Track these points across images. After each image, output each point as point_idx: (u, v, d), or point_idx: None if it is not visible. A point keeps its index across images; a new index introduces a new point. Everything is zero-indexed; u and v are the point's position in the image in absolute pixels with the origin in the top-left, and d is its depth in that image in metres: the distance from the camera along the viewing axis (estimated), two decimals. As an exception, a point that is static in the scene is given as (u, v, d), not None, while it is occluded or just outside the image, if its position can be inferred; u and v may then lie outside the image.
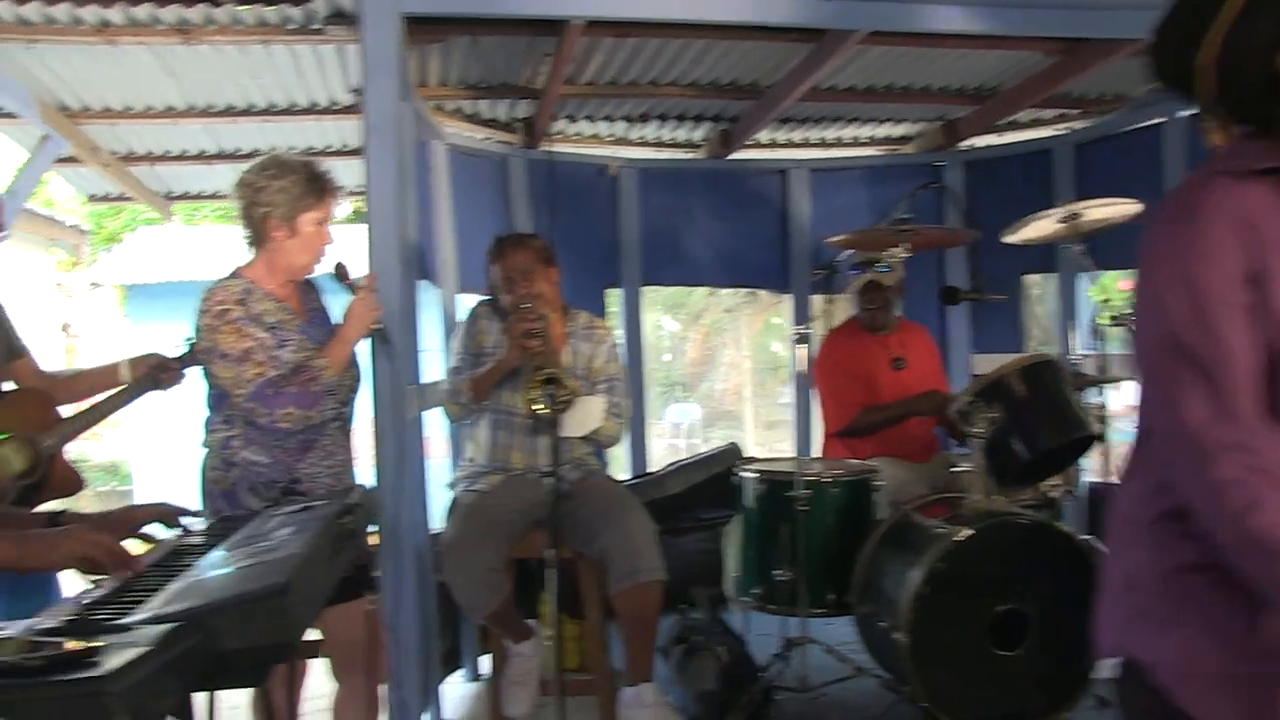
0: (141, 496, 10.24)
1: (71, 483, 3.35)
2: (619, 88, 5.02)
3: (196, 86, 4.84)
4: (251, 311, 2.92)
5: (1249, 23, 1.40)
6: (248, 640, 1.48)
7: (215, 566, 1.79)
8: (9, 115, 4.89)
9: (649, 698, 3.48)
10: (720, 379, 15.11)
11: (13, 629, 1.47)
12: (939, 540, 3.35)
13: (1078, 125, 5.65)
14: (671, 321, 15.91)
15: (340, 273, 3.12)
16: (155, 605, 1.54)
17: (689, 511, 5.28)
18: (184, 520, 2.40)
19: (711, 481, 5.54)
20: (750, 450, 7.44)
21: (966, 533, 3.32)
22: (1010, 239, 4.07)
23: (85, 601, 1.70)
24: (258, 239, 3.01)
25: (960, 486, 3.72)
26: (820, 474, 3.78)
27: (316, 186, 2.99)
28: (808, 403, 5.84)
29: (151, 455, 10.72)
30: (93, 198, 6.80)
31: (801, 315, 5.88)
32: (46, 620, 1.53)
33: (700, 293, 13.91)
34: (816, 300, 5.82)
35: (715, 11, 3.69)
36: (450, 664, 4.52)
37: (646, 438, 5.86)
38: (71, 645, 1.20)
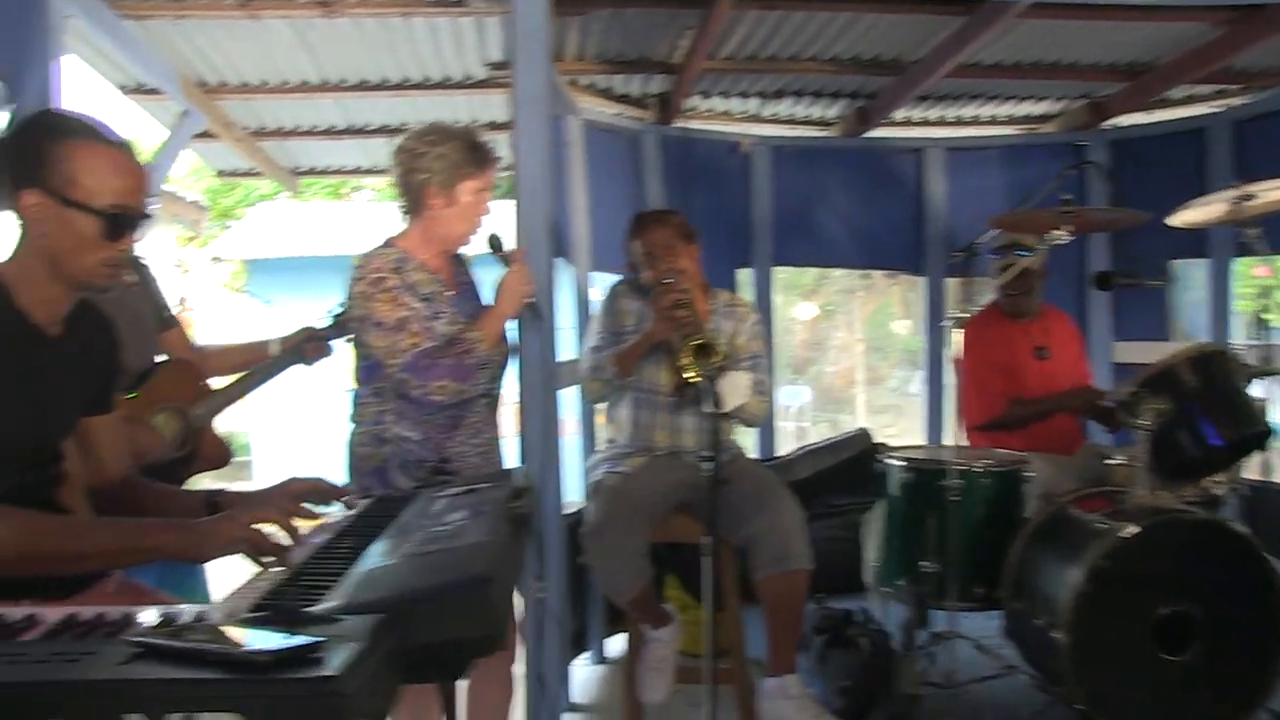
0: (260, 470, 10.42)
1: (220, 455, 3.37)
2: (758, 63, 4.92)
3: (332, 61, 4.85)
4: (407, 281, 2.86)
5: None
6: (450, 633, 1.41)
7: (392, 554, 1.73)
8: (153, 91, 4.95)
9: (793, 689, 3.38)
10: (831, 362, 14.90)
11: (190, 614, 1.43)
12: (1102, 536, 3.19)
13: (1236, 101, 5.37)
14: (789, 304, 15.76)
15: (495, 244, 3.03)
16: (343, 594, 1.48)
17: (818, 497, 5.15)
18: (340, 499, 2.35)
19: (841, 467, 5.42)
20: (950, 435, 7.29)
21: (1133, 529, 3.16)
22: (1171, 221, 3.87)
23: (264, 589, 1.65)
24: (414, 207, 2.94)
25: (1116, 480, 3.55)
26: (970, 464, 3.64)
27: (477, 155, 2.91)
28: (939, 389, 5.71)
29: (269, 429, 10.89)
30: (221, 173, 6.89)
31: (935, 298, 5.73)
32: (233, 606, 1.48)
33: (812, 274, 13.72)
34: (951, 284, 5.68)
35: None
36: (577, 646, 4.48)
37: (775, 420, 5.75)
38: (291, 640, 1.14)
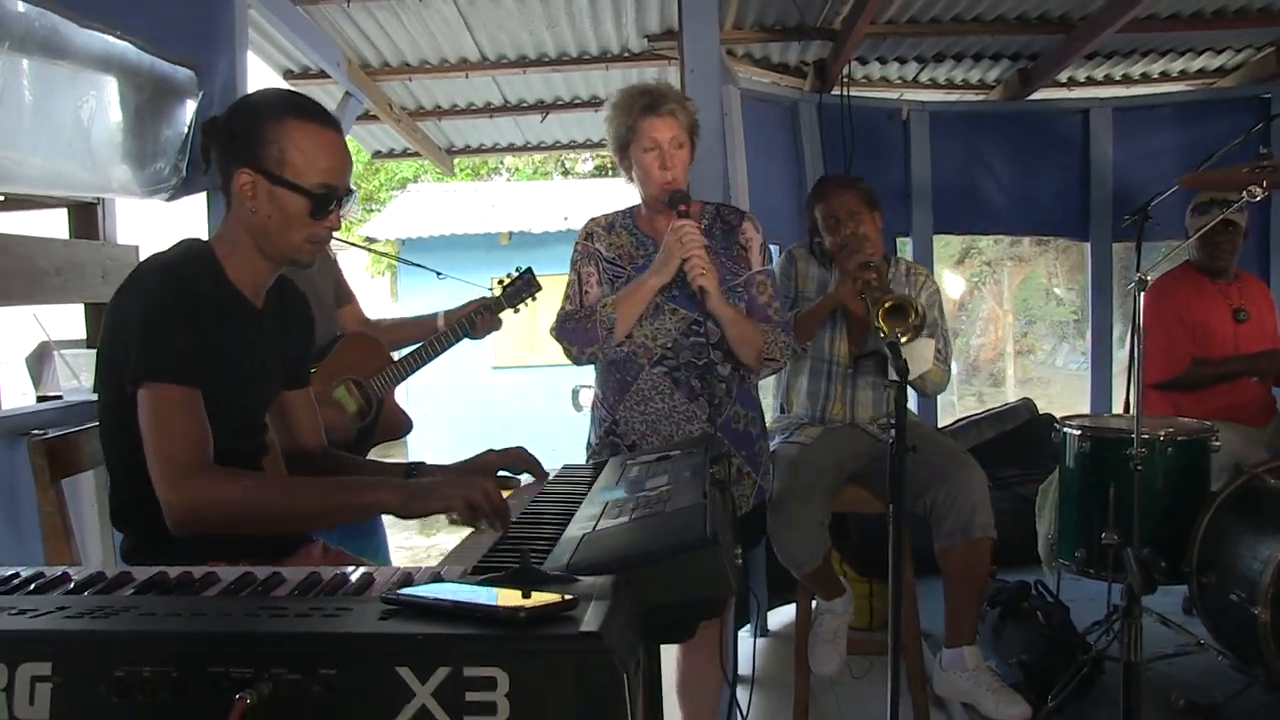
0: (414, 443, 10.65)
1: (400, 424, 3.45)
2: (920, 26, 4.81)
3: (492, 38, 4.90)
4: (591, 246, 2.92)
5: None
6: (679, 594, 1.42)
7: (607, 517, 1.74)
8: (316, 76, 5.08)
9: (970, 662, 3.32)
10: (978, 333, 14.57)
11: (425, 574, 1.45)
12: (1306, 508, 3.05)
13: None
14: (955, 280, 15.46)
15: (674, 201, 2.82)
16: (572, 556, 1.50)
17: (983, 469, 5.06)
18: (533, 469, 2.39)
19: (1004, 438, 5.31)
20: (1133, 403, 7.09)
21: (1340, 501, 3.01)
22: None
23: (484, 550, 1.69)
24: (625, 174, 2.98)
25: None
26: (1153, 432, 3.51)
27: (633, 112, 2.82)
28: (1108, 358, 5.53)
29: (422, 404, 11.15)
30: (377, 154, 7.04)
31: (1102, 265, 5.54)
32: (464, 566, 1.51)
33: (958, 244, 13.42)
34: (1118, 250, 5.50)
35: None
36: (740, 619, 4.48)
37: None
38: (543, 598, 1.15)
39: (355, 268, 18.76)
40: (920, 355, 3.39)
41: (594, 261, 2.90)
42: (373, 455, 3.28)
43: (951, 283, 13.56)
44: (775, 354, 2.95)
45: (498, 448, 2.35)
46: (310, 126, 1.98)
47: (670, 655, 3.02)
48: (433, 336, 3.51)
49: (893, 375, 3.35)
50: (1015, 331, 13.35)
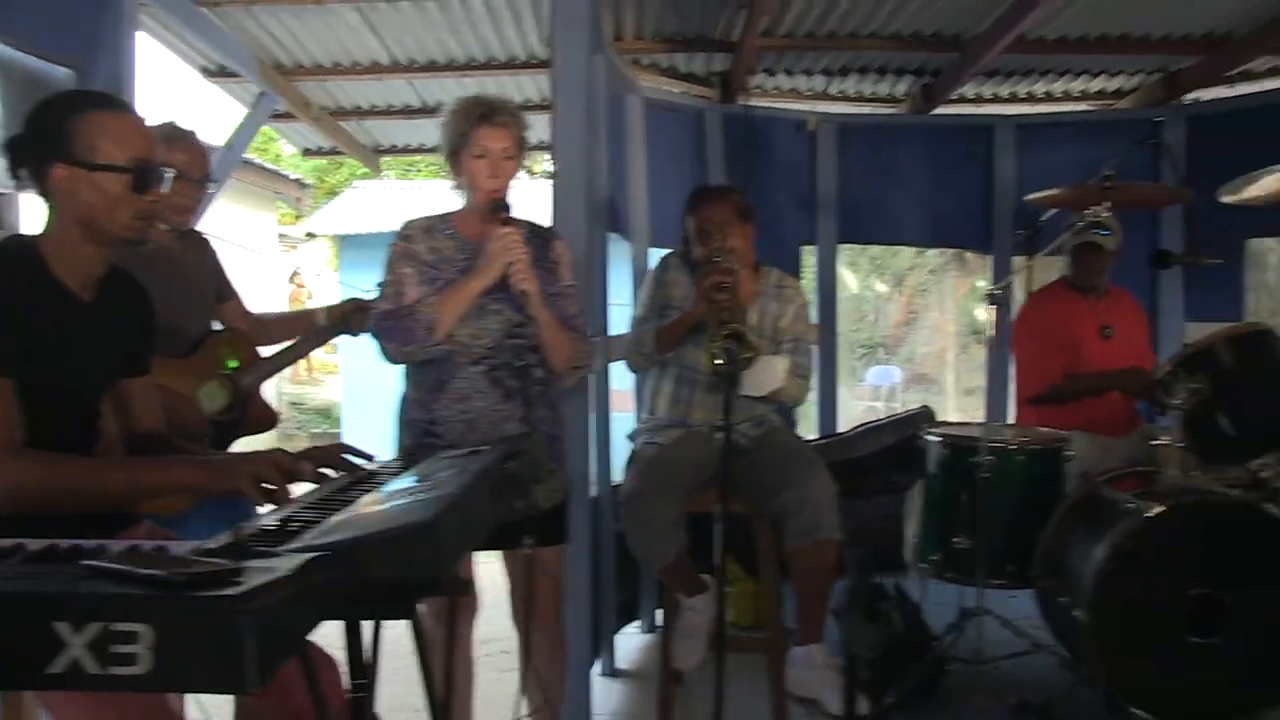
0: (348, 439, 10.75)
1: (266, 420, 3.52)
2: (817, 40, 4.93)
3: (400, 42, 4.99)
4: (410, 247, 2.96)
5: None
6: (393, 573, 1.53)
7: (375, 503, 1.85)
8: (231, 74, 5.16)
9: (817, 659, 3.44)
10: (923, 342, 14.75)
11: (176, 548, 1.55)
12: (1128, 516, 3.18)
13: (1323, 76, 5.21)
14: (880, 284, 15.60)
15: (495, 209, 2.93)
16: (310, 536, 1.61)
17: (877, 474, 5.20)
18: (357, 462, 2.47)
19: (902, 445, 5.43)
20: (949, 415, 7.28)
21: (1158, 509, 3.14)
22: (1231, 199, 3.79)
23: (248, 530, 1.78)
24: (455, 183, 3.04)
25: (1157, 461, 3.52)
26: (1007, 441, 3.64)
27: (470, 119, 2.90)
28: (1003, 367, 5.65)
29: (360, 400, 11.22)
30: (307, 152, 7.12)
31: (1003, 276, 5.67)
32: (209, 543, 1.61)
33: (907, 254, 13.59)
34: (1016, 261, 5.62)
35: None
36: (627, 615, 4.58)
37: (837, 397, 5.77)
38: (222, 566, 1.27)
39: (318, 261, 18.80)
40: (773, 372, 3.51)
41: (412, 263, 2.95)
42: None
43: (891, 306, 13.81)
44: (583, 361, 3.06)
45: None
46: (110, 113, 2.09)
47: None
48: (309, 334, 3.59)
49: (746, 391, 3.51)
50: (959, 341, 13.53)
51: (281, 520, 1.86)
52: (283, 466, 1.98)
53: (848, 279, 15.42)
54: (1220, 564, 3.17)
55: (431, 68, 5.33)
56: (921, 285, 14.75)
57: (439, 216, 3.04)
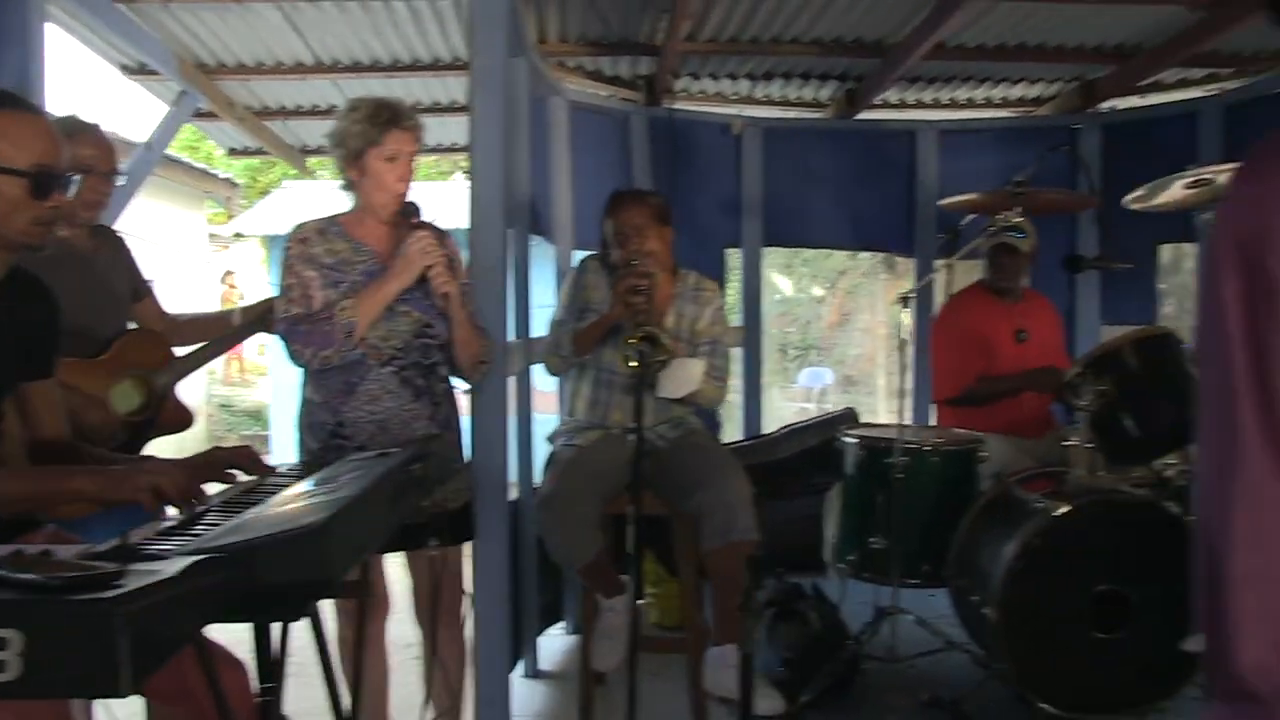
0: (278, 441, 10.64)
1: (182, 420, 3.49)
2: (740, 45, 4.96)
3: (323, 42, 4.95)
4: (309, 250, 2.94)
5: None
6: (285, 575, 1.53)
7: (273, 506, 1.84)
8: (150, 72, 5.09)
9: (733, 659, 3.45)
10: (854, 344, 14.91)
11: (63, 552, 1.54)
12: (1036, 515, 3.25)
13: (1230, 85, 5.34)
14: (816, 287, 15.73)
15: (406, 212, 2.98)
16: (204, 539, 1.60)
17: (801, 476, 5.23)
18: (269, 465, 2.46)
19: (825, 446, 5.48)
20: (880, 416, 7.34)
21: (1064, 508, 3.21)
22: (1138, 206, 3.88)
23: (143, 534, 1.77)
24: (345, 183, 3.02)
25: (1068, 462, 3.60)
26: (921, 442, 3.70)
27: (379, 122, 2.92)
28: (922, 370, 5.73)
29: (290, 401, 11.08)
30: (233, 151, 7.04)
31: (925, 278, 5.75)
32: (99, 547, 1.60)
33: (839, 257, 13.72)
34: (937, 265, 5.70)
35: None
36: (550, 616, 4.59)
37: (762, 399, 5.81)
38: (99, 570, 1.26)
39: (252, 261, 18.55)
40: (689, 375, 3.54)
41: (313, 266, 2.93)
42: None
43: (828, 294, 13.92)
44: (488, 357, 3.09)
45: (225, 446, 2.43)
46: (11, 114, 2.03)
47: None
48: (225, 334, 3.56)
49: (662, 392, 3.54)
50: (888, 344, 13.66)
51: (178, 523, 1.85)
52: (179, 485, 1.96)
53: (783, 282, 15.53)
54: (1124, 561, 3.25)
55: (356, 68, 5.29)
56: (853, 288, 14.91)
57: (328, 219, 3.02)
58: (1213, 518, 1.36)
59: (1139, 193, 3.81)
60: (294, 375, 3.16)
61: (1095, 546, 3.25)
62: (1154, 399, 3.52)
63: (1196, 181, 3.63)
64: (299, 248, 2.95)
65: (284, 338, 2.93)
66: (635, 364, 3.23)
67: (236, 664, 2.31)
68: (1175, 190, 3.74)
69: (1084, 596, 3.25)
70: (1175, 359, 3.56)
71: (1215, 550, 1.33)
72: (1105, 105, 5.64)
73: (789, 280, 15.71)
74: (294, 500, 1.87)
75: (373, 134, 2.90)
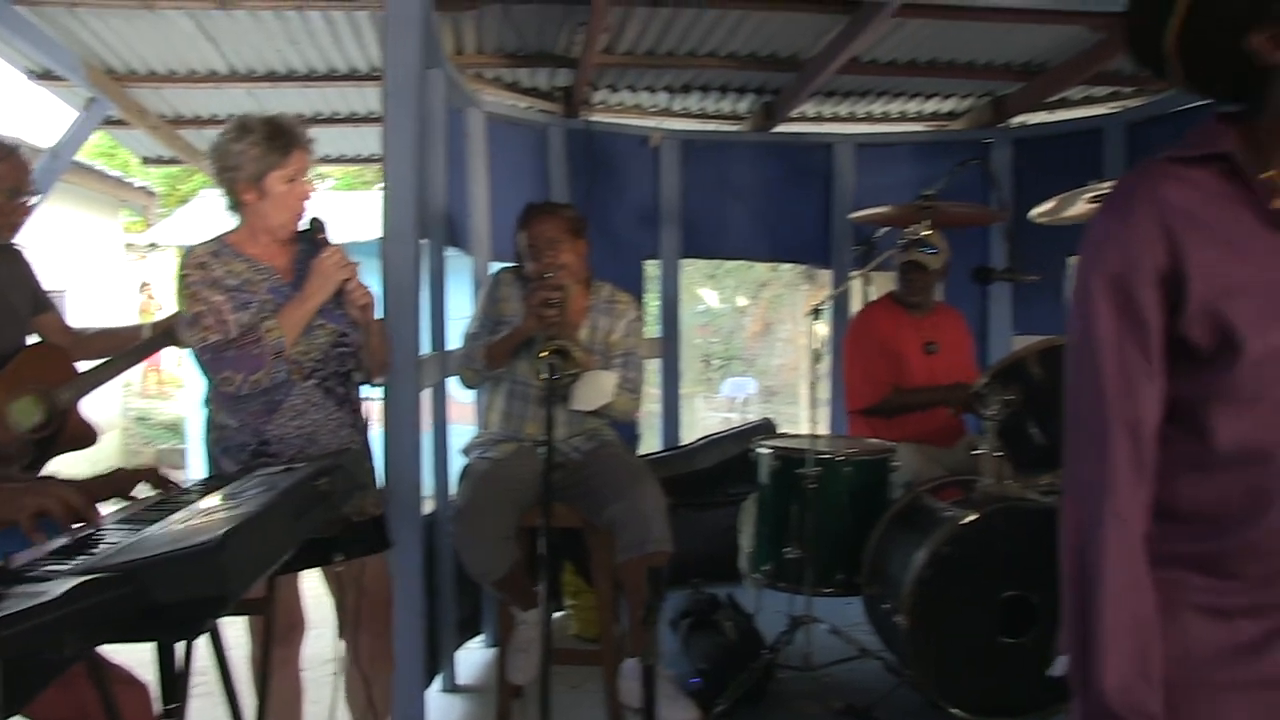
0: (196, 454, 10.46)
1: (85, 436, 3.42)
2: (657, 58, 4.99)
3: (238, 52, 4.89)
4: (211, 274, 2.87)
5: (1210, 5, 1.35)
6: (179, 594, 1.51)
7: (171, 524, 1.82)
8: (57, 78, 5.00)
9: (647, 670, 3.47)
10: (777, 354, 15.06)
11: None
12: (945, 523, 3.31)
13: (1132, 103, 5.50)
14: (741, 298, 15.84)
15: (313, 229, 2.99)
16: (95, 559, 1.58)
17: (719, 486, 5.27)
18: (174, 482, 2.43)
19: (743, 457, 5.51)
20: (802, 426, 7.42)
21: (972, 516, 3.27)
22: (1043, 220, 3.97)
23: (26, 556, 1.73)
24: (234, 204, 2.96)
25: (977, 470, 3.67)
26: (834, 452, 3.74)
27: (280, 144, 2.89)
28: (836, 380, 5.81)
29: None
30: (146, 160, 6.92)
31: (841, 291, 5.82)
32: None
33: (762, 268, 13.84)
34: (858, 276, 5.77)
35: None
36: (469, 629, 4.57)
37: (680, 410, 5.84)
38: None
39: (170, 271, 18.25)
40: (601, 387, 3.56)
41: (220, 289, 2.87)
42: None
43: (751, 304, 14.03)
44: (384, 361, 3.10)
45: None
46: None
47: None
48: (132, 348, 3.50)
49: (575, 405, 3.56)
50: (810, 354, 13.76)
51: (71, 543, 1.82)
52: (69, 506, 1.92)
53: (709, 293, 15.63)
54: (1030, 567, 3.30)
55: (271, 78, 5.23)
56: (776, 299, 15.06)
57: (216, 242, 2.96)
58: (1081, 542, 1.40)
59: (1044, 207, 3.91)
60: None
61: (1001, 553, 3.31)
62: (1058, 407, 3.57)
63: (1098, 197, 3.74)
64: (199, 273, 2.87)
65: (208, 366, 2.87)
66: (545, 377, 3.25)
67: (136, 684, 2.28)
68: (1080, 205, 3.85)
69: (991, 602, 3.31)
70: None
71: (1083, 574, 1.38)
72: (1016, 121, 5.76)
73: (715, 291, 15.81)
74: (194, 517, 1.85)
75: (274, 157, 2.87)
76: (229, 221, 3.05)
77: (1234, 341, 1.32)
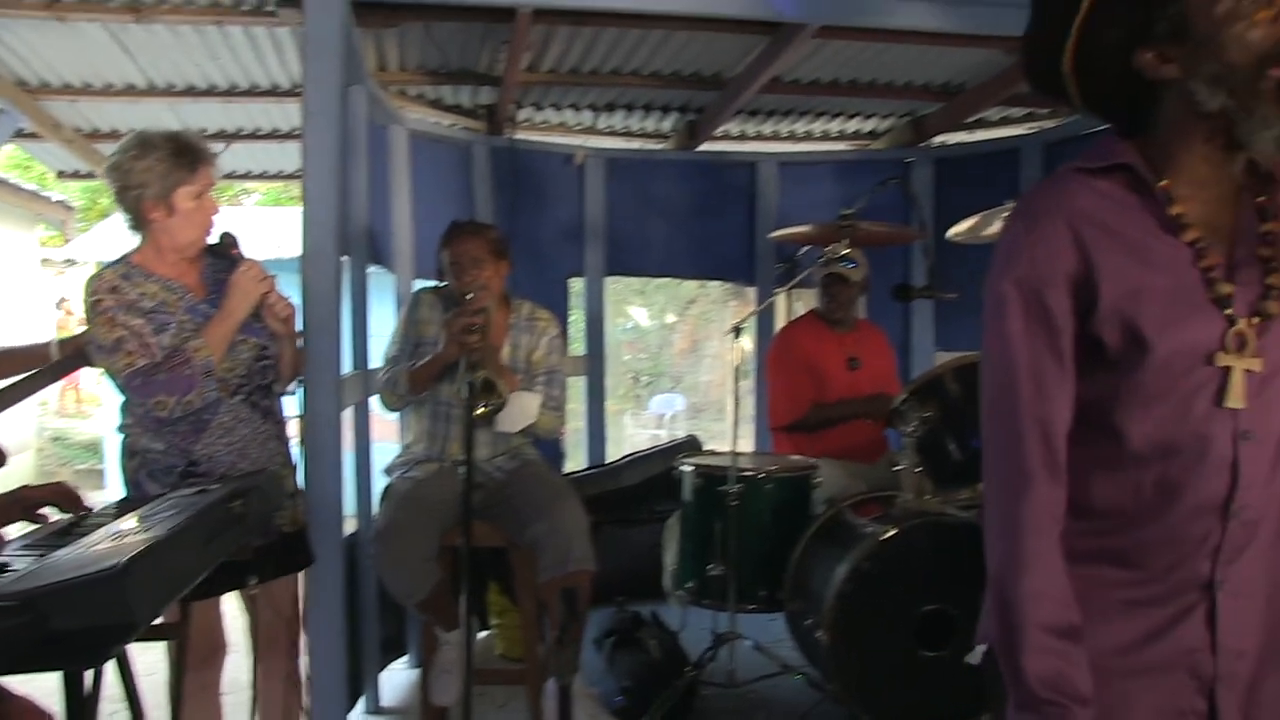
0: (112, 475, 10.25)
1: (-10, 457, 3.34)
2: (580, 76, 5.01)
3: (156, 65, 4.82)
4: (126, 298, 2.80)
5: (1099, 28, 1.42)
6: (82, 622, 1.49)
7: (79, 548, 1.78)
8: (-37, 92, 4.89)
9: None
10: (705, 371, 15.14)
11: None
12: (865, 539, 3.34)
13: (1047, 124, 5.62)
14: (670, 315, 15.89)
15: (225, 243, 2.95)
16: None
17: (644, 504, 5.27)
18: (84, 503, 2.39)
19: (668, 474, 5.53)
20: (730, 443, 7.44)
21: (891, 531, 3.31)
22: (960, 239, 4.04)
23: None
24: (138, 223, 2.88)
25: (898, 486, 3.71)
26: (756, 469, 3.77)
27: (186, 159, 2.84)
28: (760, 397, 5.85)
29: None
30: (61, 174, 6.79)
31: (766, 309, 5.87)
32: None
33: (690, 285, 13.89)
34: (779, 294, 5.83)
35: (662, 2, 3.65)
36: (393, 650, 4.51)
37: (606, 427, 5.84)
38: None
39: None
40: (525, 408, 3.56)
41: (137, 312, 2.80)
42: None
43: (679, 321, 14.10)
44: (301, 371, 3.11)
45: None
46: None
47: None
48: (42, 369, 3.41)
49: (500, 427, 3.54)
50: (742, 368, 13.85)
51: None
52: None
53: (639, 311, 15.65)
54: (948, 581, 3.35)
55: (192, 92, 5.16)
56: (703, 315, 15.13)
57: (123, 264, 2.89)
58: (1001, 539, 1.46)
59: (962, 226, 3.98)
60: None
61: (920, 568, 3.35)
62: (975, 423, 3.63)
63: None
64: (113, 298, 2.79)
65: (136, 392, 2.79)
66: (467, 398, 3.23)
67: (42, 714, 2.22)
68: (998, 223, 3.92)
69: (911, 616, 3.35)
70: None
71: (1004, 570, 1.45)
72: (936, 140, 5.86)
73: (644, 308, 15.84)
74: (104, 541, 1.81)
75: (181, 173, 2.82)
76: (133, 240, 2.98)
77: (1141, 342, 1.39)
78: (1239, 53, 1.33)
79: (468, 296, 3.53)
